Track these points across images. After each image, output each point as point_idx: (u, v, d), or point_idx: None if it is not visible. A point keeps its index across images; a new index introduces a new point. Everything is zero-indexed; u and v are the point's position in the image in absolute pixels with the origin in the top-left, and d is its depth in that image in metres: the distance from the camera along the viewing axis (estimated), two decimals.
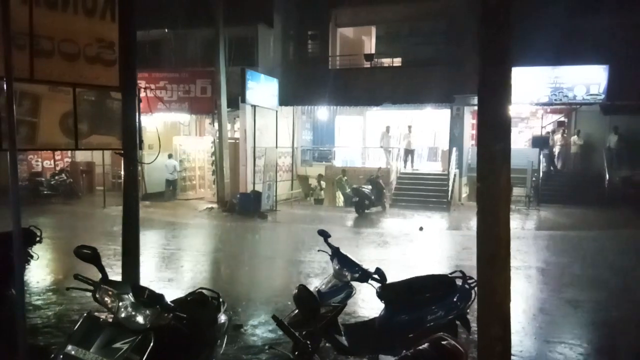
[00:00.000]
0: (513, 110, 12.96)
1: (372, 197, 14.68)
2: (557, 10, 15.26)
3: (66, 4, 4.44)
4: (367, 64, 18.90)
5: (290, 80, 17.70)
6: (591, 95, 15.65)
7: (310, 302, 3.18)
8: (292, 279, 7.86)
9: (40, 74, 4.23)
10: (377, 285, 4.31)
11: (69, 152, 17.87)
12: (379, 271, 4.23)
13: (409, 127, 17.95)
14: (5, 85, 3.22)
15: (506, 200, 3.08)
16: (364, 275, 4.21)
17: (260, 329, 5.54)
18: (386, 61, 19.39)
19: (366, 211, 14.63)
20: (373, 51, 19.36)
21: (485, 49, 3.02)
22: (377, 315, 4.51)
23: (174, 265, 8.71)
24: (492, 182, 2.98)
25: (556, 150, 18.22)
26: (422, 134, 19.44)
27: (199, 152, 18.28)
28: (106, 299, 2.78)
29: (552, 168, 17.78)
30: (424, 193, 16.18)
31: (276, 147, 16.47)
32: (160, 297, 2.85)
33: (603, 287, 7.45)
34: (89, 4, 4.57)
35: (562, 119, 18.40)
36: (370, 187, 14.92)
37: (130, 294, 2.81)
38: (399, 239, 11.41)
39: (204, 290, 3.82)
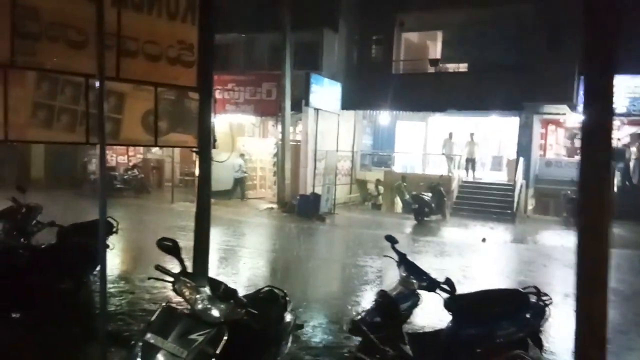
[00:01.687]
0: (581, 120, 12.18)
1: (433, 205, 14.37)
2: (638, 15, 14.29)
3: (151, 7, 4.66)
4: (431, 69, 18.62)
5: (352, 85, 17.74)
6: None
7: (392, 308, 3.13)
8: (350, 282, 7.84)
9: (125, 73, 4.45)
10: (445, 295, 4.19)
11: (141, 148, 18.80)
12: (448, 281, 4.10)
13: (471, 134, 17.46)
14: (97, 84, 3.40)
15: (608, 214, 2.89)
16: (432, 284, 4.09)
17: (319, 330, 5.56)
18: (451, 66, 18.97)
19: (425, 219, 14.34)
20: (438, 56, 19.02)
21: (590, 56, 2.85)
22: (442, 326, 4.38)
23: (235, 262, 8.93)
24: (595, 194, 2.80)
25: (632, 164, 17.08)
26: (486, 142, 18.84)
27: (261, 153, 18.67)
28: (185, 290, 2.86)
29: (627, 183, 16.67)
30: (487, 203, 15.65)
31: (337, 150, 16.52)
32: (234, 292, 2.91)
33: None
34: (172, 8, 4.78)
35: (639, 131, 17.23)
36: (430, 194, 14.62)
37: (207, 287, 2.88)
38: (460, 249, 11.09)
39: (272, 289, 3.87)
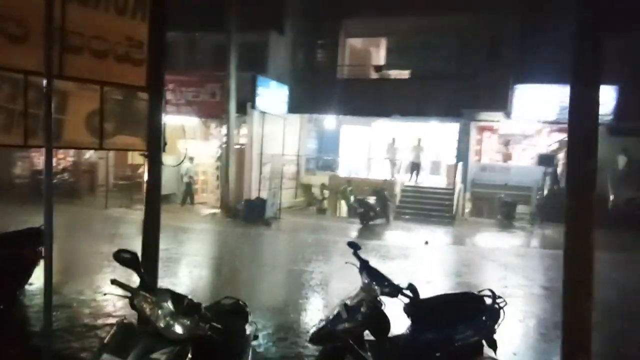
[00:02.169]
0: (518, 127, 13.06)
1: (377, 209, 14.60)
2: (569, 30, 15.32)
3: (98, 1, 4.37)
4: (375, 75, 18.97)
5: (299, 88, 17.71)
6: (601, 115, 15.66)
7: (382, 320, 3.05)
8: (298, 289, 7.72)
9: (69, 71, 4.13)
10: (406, 300, 4.20)
11: (71, 150, 17.71)
12: (411, 287, 4.11)
13: (419, 139, 17.89)
14: (45, 81, 3.12)
15: (591, 221, 2.98)
16: (395, 290, 4.09)
17: (274, 341, 5.42)
18: (393, 73, 19.41)
19: (370, 223, 14.53)
20: (382, 62, 19.41)
21: (577, 70, 2.93)
22: (401, 332, 4.40)
23: (179, 271, 8.57)
24: (582, 200, 2.87)
25: (559, 169, 18.22)
26: (426, 147, 19.38)
27: (203, 156, 18.15)
28: (145, 306, 2.66)
29: (555, 187, 17.75)
30: (428, 207, 16.12)
31: (283, 154, 16.39)
32: (198, 306, 2.74)
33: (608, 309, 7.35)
34: (121, 2, 4.51)
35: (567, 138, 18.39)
36: (375, 198, 14.84)
37: (170, 302, 2.69)
38: (405, 252, 11.31)
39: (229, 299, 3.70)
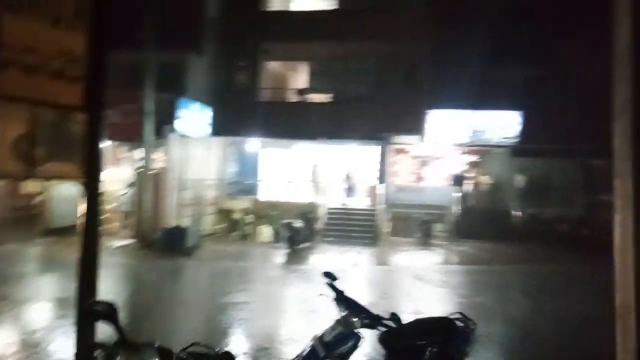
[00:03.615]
0: (431, 149, 13.72)
1: (305, 232, 14.43)
2: (478, 58, 16.58)
3: (30, 10, 3.84)
4: (296, 99, 19.05)
5: (219, 111, 17.18)
6: (504, 138, 17.05)
7: None
8: (224, 326, 7.21)
9: None
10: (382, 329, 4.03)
11: None
12: (394, 316, 3.96)
13: (351, 162, 18.09)
14: None
15: None
16: (374, 321, 3.91)
17: None
18: (315, 96, 19.62)
19: (297, 247, 14.30)
20: (302, 86, 19.53)
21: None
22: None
23: None
24: None
25: (468, 188, 19.42)
26: (358, 170, 19.54)
27: (111, 182, 16.81)
28: None
29: (466, 205, 18.87)
30: (353, 228, 16.28)
31: (204, 179, 15.69)
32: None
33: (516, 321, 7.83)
34: (56, 11, 4.00)
35: (476, 159, 19.73)
36: (301, 222, 14.67)
37: (158, 359, 2.29)
38: (341, 275, 11.21)
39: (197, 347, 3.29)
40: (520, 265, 13.35)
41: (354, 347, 3.90)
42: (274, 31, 17.71)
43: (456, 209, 17.31)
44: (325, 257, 13.76)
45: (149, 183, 14.60)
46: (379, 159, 17.94)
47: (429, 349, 4.15)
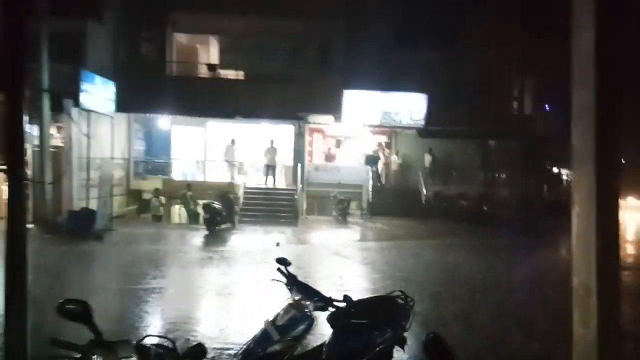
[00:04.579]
0: (345, 130, 14.19)
1: (224, 213, 14.14)
2: (389, 42, 17.16)
3: None
4: (208, 74, 18.35)
5: (124, 85, 16.01)
6: (414, 120, 17.93)
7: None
8: (141, 312, 6.84)
9: None
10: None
11: None
12: (346, 298, 4.06)
13: (272, 141, 17.72)
14: None
15: None
16: (327, 303, 3.99)
17: None
18: (227, 73, 19.06)
19: (217, 228, 14.00)
20: (214, 61, 18.84)
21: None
22: (322, 342, 4.32)
23: None
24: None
25: (380, 167, 20.26)
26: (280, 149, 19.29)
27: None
28: None
29: (379, 184, 19.69)
30: (272, 208, 16.27)
31: (112, 158, 14.68)
32: (173, 352, 2.30)
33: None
34: None
35: (386, 140, 20.58)
36: (220, 203, 14.35)
37: (135, 357, 2.18)
38: (261, 256, 11.19)
39: (153, 339, 3.16)
40: (429, 240, 14.27)
41: (308, 329, 3.95)
42: (182, 0, 16.80)
43: (369, 187, 17.98)
44: (247, 238, 13.62)
45: (47, 162, 13.34)
46: (295, 138, 18.01)
47: (373, 326, 4.37)
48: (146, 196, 16.84)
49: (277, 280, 4.20)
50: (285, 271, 4.18)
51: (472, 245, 13.54)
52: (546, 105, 23.32)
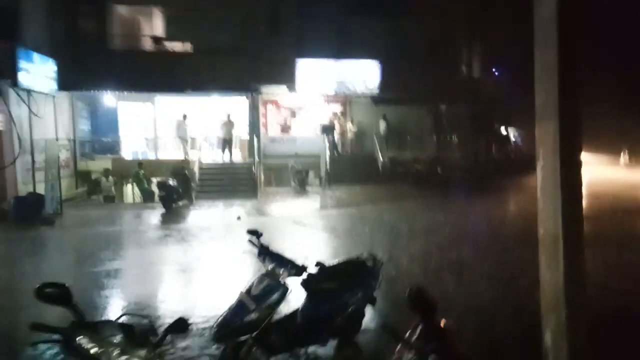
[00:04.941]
0: (299, 100, 14.24)
1: (180, 191, 13.84)
2: (339, 10, 16.98)
3: None
4: (153, 47, 17.59)
5: (63, 62, 15.10)
6: (368, 88, 18.00)
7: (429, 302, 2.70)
8: (100, 296, 6.59)
9: None
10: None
11: None
12: (319, 264, 4.10)
13: (228, 115, 17.22)
14: None
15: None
16: (300, 270, 4.02)
17: None
18: (174, 45, 18.31)
19: (174, 205, 13.71)
20: (159, 34, 18.05)
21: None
22: (296, 307, 4.37)
23: None
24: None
25: (336, 137, 20.32)
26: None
27: None
28: (89, 347, 2.02)
29: (335, 153, 19.78)
30: (230, 182, 16.04)
31: (57, 139, 13.95)
32: (152, 330, 2.25)
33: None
34: None
35: (341, 108, 20.59)
36: (175, 180, 14.01)
37: (121, 335, 2.12)
38: (224, 231, 11.12)
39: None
40: (387, 204, 14.59)
41: (282, 297, 3.99)
42: None
43: (327, 156, 18.02)
44: (206, 213, 13.42)
45: None
46: (249, 110, 17.71)
47: (349, 288, 4.46)
48: (96, 177, 16.19)
49: (248, 252, 4.19)
50: (256, 242, 4.18)
51: (428, 206, 14.00)
52: (494, 69, 24.01)
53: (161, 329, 2.55)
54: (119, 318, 3.14)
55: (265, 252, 4.13)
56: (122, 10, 18.35)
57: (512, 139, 30.33)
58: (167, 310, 5.89)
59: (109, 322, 2.25)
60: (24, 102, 12.81)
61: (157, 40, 17.42)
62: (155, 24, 18.68)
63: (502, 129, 27.60)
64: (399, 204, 14.59)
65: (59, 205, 13.11)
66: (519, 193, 16.63)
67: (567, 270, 2.52)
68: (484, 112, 20.89)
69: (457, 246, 8.99)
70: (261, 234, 4.25)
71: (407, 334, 2.63)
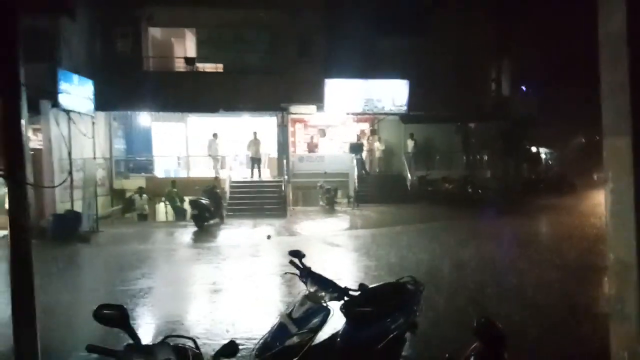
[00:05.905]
0: (327, 118, 14.16)
1: (212, 209, 14.02)
2: (366, 30, 17.12)
3: None
4: (186, 68, 18.06)
5: (101, 83, 15.62)
6: (396, 106, 18.01)
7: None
8: (134, 313, 6.74)
9: None
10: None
11: None
12: (362, 286, 4.07)
13: (255, 133, 17.47)
14: None
15: None
16: (342, 293, 4.00)
17: None
18: (206, 66, 18.78)
19: (205, 224, 13.88)
20: (192, 54, 18.54)
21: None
22: (336, 332, 4.34)
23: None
24: None
25: (364, 155, 20.31)
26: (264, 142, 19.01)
27: None
28: None
29: (363, 171, 19.74)
30: (259, 201, 16.17)
31: (94, 158, 14.37)
32: (198, 352, 2.31)
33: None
34: None
35: (370, 127, 20.62)
36: (207, 198, 14.22)
37: (174, 358, 2.17)
38: (253, 249, 11.19)
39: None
40: (417, 224, 14.41)
41: (324, 320, 3.96)
42: None
43: (355, 175, 18.02)
44: (236, 232, 13.54)
45: (28, 165, 12.96)
46: (278, 129, 17.91)
47: (391, 313, 4.41)
48: (130, 195, 16.57)
49: (291, 273, 4.19)
50: (298, 263, 4.18)
51: (459, 227, 13.76)
52: (522, 87, 23.72)
53: (204, 350, 2.60)
54: (164, 340, 3.19)
55: (307, 274, 4.12)
56: (156, 32, 18.95)
57: (542, 157, 29.76)
58: (205, 331, 5.93)
59: (164, 344, 2.29)
60: (66, 122, 13.27)
61: (189, 61, 17.89)
62: (188, 46, 19.21)
63: (532, 147, 27.13)
64: (429, 224, 14.40)
65: (95, 223, 13.44)
66: (551, 213, 16.26)
67: None
68: (513, 130, 20.58)
69: (486, 268, 8.83)
70: (304, 255, 4.24)
71: None
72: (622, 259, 2.52)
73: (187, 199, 14.91)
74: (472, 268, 8.86)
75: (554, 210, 16.76)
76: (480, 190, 18.11)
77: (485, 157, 21.01)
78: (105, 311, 2.12)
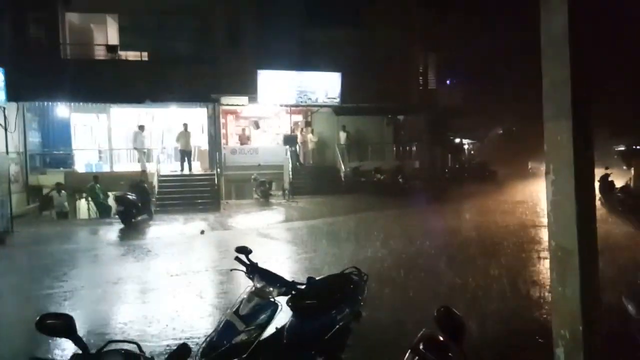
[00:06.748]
0: (260, 110, 14.17)
1: (139, 204, 13.35)
2: (299, 21, 17.03)
3: None
4: (107, 56, 17.03)
5: (12, 71, 14.29)
6: (329, 98, 18.12)
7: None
8: (75, 317, 6.26)
9: None
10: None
11: None
12: (310, 280, 4.02)
13: (185, 125, 16.73)
14: None
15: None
16: (290, 287, 3.93)
17: None
18: (128, 54, 17.81)
19: (133, 220, 13.20)
20: (114, 42, 17.50)
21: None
22: (281, 326, 4.27)
23: None
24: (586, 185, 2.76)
25: (299, 147, 20.29)
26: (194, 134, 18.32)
27: None
28: None
29: (298, 164, 19.73)
30: (191, 195, 15.64)
31: (7, 152, 13.18)
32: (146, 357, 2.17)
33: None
34: None
35: (304, 119, 20.61)
36: (134, 193, 13.52)
37: None
38: (187, 245, 10.82)
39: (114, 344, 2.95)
40: (352, 215, 14.65)
41: (272, 316, 3.88)
42: None
43: (289, 167, 17.95)
44: (167, 228, 13.00)
45: None
46: (209, 121, 17.41)
47: (338, 304, 4.41)
48: (48, 192, 15.40)
49: (237, 270, 4.07)
50: (245, 260, 4.06)
51: (392, 216, 14.17)
52: (447, 80, 24.78)
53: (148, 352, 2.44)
54: (106, 345, 2.97)
55: (253, 270, 4.01)
56: (74, 18, 17.69)
57: (465, 147, 31.35)
58: (142, 332, 5.63)
59: (113, 352, 2.13)
60: None
61: (111, 49, 16.88)
62: (109, 33, 18.09)
63: (456, 138, 28.49)
64: (363, 214, 14.68)
65: (9, 223, 12.35)
66: (476, 199, 17.18)
67: (583, 284, 2.56)
68: (439, 122, 21.47)
69: (424, 254, 9.15)
70: (250, 251, 4.13)
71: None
72: (563, 245, 2.67)
73: (111, 194, 14.13)
74: (408, 254, 9.14)
75: (477, 196, 17.74)
76: (410, 180, 18.75)
77: (414, 148, 21.76)
78: (49, 321, 1.95)
